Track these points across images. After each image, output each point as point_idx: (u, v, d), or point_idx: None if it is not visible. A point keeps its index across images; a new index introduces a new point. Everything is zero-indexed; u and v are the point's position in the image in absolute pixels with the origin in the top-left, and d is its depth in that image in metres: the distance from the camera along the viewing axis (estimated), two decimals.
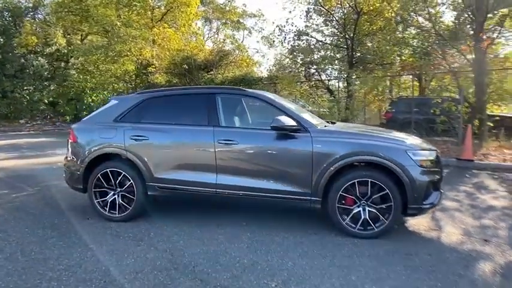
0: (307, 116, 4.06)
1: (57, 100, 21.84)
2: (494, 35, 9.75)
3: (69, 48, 21.39)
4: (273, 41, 16.35)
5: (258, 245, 3.50)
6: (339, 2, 11.89)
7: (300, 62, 17.13)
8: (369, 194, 3.59)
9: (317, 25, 14.67)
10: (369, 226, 3.61)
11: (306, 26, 14.85)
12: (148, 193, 4.09)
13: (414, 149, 3.62)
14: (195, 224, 4.03)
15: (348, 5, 11.44)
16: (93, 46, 17.91)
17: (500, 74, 9.76)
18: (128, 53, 17.39)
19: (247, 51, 18.05)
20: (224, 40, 19.93)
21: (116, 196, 4.16)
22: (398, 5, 12.28)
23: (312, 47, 16.15)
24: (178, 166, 3.99)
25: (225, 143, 3.84)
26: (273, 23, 15.74)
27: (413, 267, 3.03)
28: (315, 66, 14.96)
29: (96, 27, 17.93)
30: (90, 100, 19.79)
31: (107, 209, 4.16)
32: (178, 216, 4.33)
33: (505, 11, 9.32)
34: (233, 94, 4.25)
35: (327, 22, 13.26)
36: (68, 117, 20.95)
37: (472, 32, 10.53)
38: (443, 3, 14.32)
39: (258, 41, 26.53)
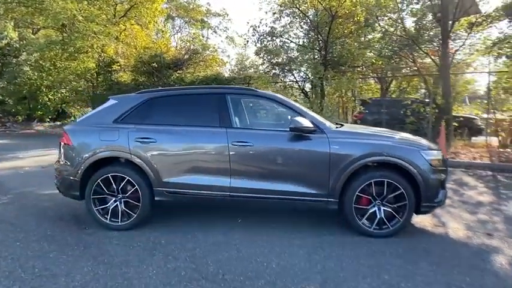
0: (318, 117, 4.05)
1: (5, 99, 20.07)
2: (460, 42, 10.45)
3: (22, 43, 19.79)
4: (247, 41, 16.30)
5: (278, 248, 3.43)
6: (314, 4, 12.10)
7: (273, 62, 17.28)
8: (385, 193, 3.66)
9: (291, 27, 14.84)
10: (384, 225, 3.68)
11: (282, 27, 14.98)
12: (156, 199, 3.86)
13: (426, 149, 3.75)
14: (205, 229, 3.88)
15: (322, 8, 11.69)
16: (50, 41, 16.71)
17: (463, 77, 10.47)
18: (89, 49, 16.46)
19: (216, 50, 17.77)
20: (193, 38, 19.48)
21: (118, 203, 3.88)
22: (365, 10, 12.79)
23: (286, 47, 16.38)
24: (190, 169, 3.81)
25: (240, 145, 3.73)
26: (248, 23, 15.67)
27: (436, 263, 3.12)
28: (287, 67, 15.14)
29: (53, 21, 16.72)
30: (47, 99, 18.43)
31: (108, 217, 3.87)
32: (182, 221, 4.15)
33: (470, 18, 10.01)
34: (244, 94, 4.13)
35: (301, 24, 13.46)
36: (20, 117, 19.38)
37: (438, 38, 11.24)
38: (403, 10, 15.19)
39: (222, 41, 26.29)
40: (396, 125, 11.93)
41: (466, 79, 16.08)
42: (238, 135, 3.77)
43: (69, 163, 3.96)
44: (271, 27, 15.69)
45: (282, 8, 13.85)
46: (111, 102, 4.20)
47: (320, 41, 12.46)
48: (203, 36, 24.13)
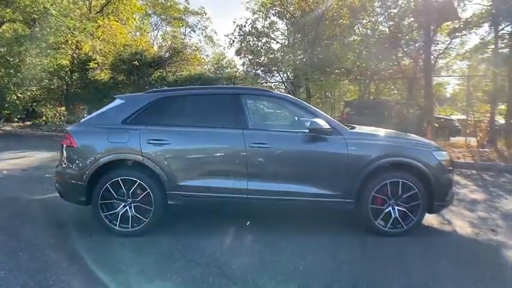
0: (333, 119, 4.06)
1: None
2: (440, 46, 10.88)
3: None
4: (233, 41, 16.17)
5: (300, 251, 3.40)
6: (301, 6, 12.19)
7: (254, 62, 17.24)
8: (399, 193, 3.72)
9: (277, 28, 14.88)
10: (398, 224, 3.75)
11: (268, 27, 14.97)
12: (169, 202, 3.73)
13: (437, 150, 3.86)
14: (218, 233, 3.78)
15: (309, 9, 11.80)
16: (19, 36, 15.78)
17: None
18: (63, 45, 15.74)
19: (198, 49, 17.45)
20: (174, 37, 19.03)
21: (128, 208, 3.70)
22: (349, 13, 13.04)
23: (267, 48, 16.40)
24: (206, 172, 3.70)
25: (258, 147, 3.66)
26: (234, 22, 15.56)
27: (456, 260, 3.21)
28: (272, 68, 15.16)
29: (22, 14, 15.80)
30: (15, 97, 17.38)
31: (117, 223, 3.68)
32: (192, 225, 4.03)
33: (450, 24, 10.44)
34: (259, 95, 4.07)
35: (288, 25, 13.51)
36: None
37: (415, 42, 11.66)
38: (382, 14, 15.59)
39: (200, 40, 25.91)
40: (380, 125, 12.32)
41: (439, 82, 16.79)
42: (255, 137, 3.70)
43: (73, 166, 3.74)
44: (256, 27, 15.71)
45: (269, 7, 13.84)
46: (117, 102, 4.00)
47: (306, 43, 12.57)
48: (184, 35, 23.68)
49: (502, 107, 9.85)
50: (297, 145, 3.75)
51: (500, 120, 9.93)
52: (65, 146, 3.85)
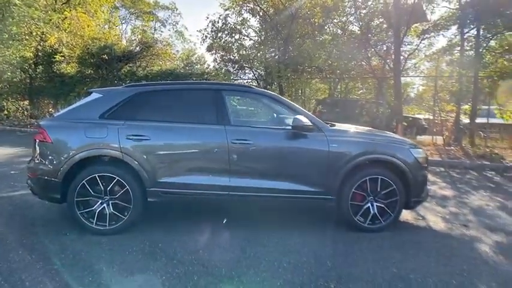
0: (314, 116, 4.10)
1: None
2: (410, 47, 11.30)
3: None
4: (206, 36, 15.96)
5: (282, 247, 3.40)
6: (274, 3, 12.23)
7: (226, 59, 17.14)
8: (378, 190, 3.82)
9: (249, 25, 14.85)
10: (377, 220, 3.85)
11: (240, 24, 14.90)
12: (149, 200, 3.63)
13: (414, 148, 4.00)
14: (199, 230, 3.73)
15: (283, 7, 11.86)
16: None
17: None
18: (27, 37, 14.93)
19: (169, 44, 17.06)
20: (145, 30, 18.49)
21: (106, 205, 3.57)
22: (321, 12, 13.23)
23: (238, 45, 16.34)
24: (187, 168, 3.63)
25: (240, 143, 3.64)
26: (207, 18, 15.32)
27: (433, 254, 3.34)
28: (244, 65, 15.12)
29: None
30: None
31: (94, 221, 3.54)
32: (171, 222, 3.96)
33: (419, 26, 10.85)
34: (240, 91, 4.04)
35: (261, 22, 13.50)
36: None
37: (382, 43, 12.04)
38: (352, 14, 15.92)
39: (170, 35, 25.32)
40: (351, 123, 12.64)
41: (407, 82, 17.44)
42: (237, 133, 3.67)
43: (47, 162, 3.56)
44: (228, 23, 15.60)
45: (242, 4, 13.77)
46: (94, 96, 3.84)
47: (279, 40, 12.64)
48: (155, 30, 23.09)
49: (466, 107, 10.38)
50: (279, 142, 3.76)
51: (465, 119, 10.46)
52: (37, 140, 3.65)
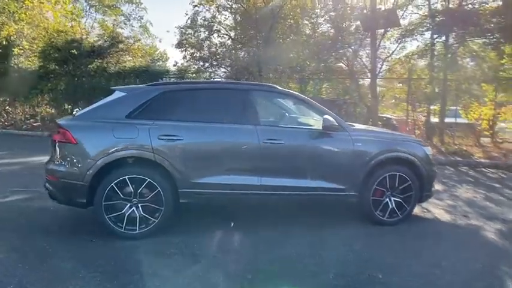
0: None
1: None
2: (383, 50, 11.91)
3: None
4: (183, 32, 15.60)
5: (319, 244, 3.52)
6: (256, 2, 12.28)
7: (196, 56, 16.90)
8: (396, 185, 4.06)
9: (221, 22, 14.76)
10: (394, 214, 4.08)
11: (211, 21, 14.76)
12: (181, 201, 3.57)
13: (425, 145, 4.29)
14: (227, 230, 3.73)
15: (264, 6, 11.96)
16: None
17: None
18: None
19: (139, 40, 16.43)
20: (116, 24, 17.62)
21: (134, 208, 3.45)
22: (299, 14, 13.54)
23: (209, 42, 16.24)
24: (220, 169, 3.61)
25: (271, 143, 3.69)
26: (186, 14, 14.99)
27: (453, 243, 3.64)
28: (217, 62, 15.03)
29: None
30: None
31: (123, 226, 3.41)
32: (194, 223, 3.92)
33: (394, 30, 11.47)
34: (268, 91, 4.08)
35: (237, 20, 13.47)
36: None
37: (349, 46, 12.58)
38: (322, 16, 16.35)
39: (132, 29, 24.26)
40: None
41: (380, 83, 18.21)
42: (268, 133, 3.72)
43: (71, 165, 3.37)
44: (199, 20, 15.43)
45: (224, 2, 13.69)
46: (118, 94, 3.69)
47: (259, 40, 12.73)
48: (125, 24, 22.01)
49: (436, 107, 11.17)
50: (308, 141, 3.86)
51: (435, 119, 11.25)
52: (58, 142, 3.44)
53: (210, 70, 17.38)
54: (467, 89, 10.36)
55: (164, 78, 13.95)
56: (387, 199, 4.06)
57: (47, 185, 3.51)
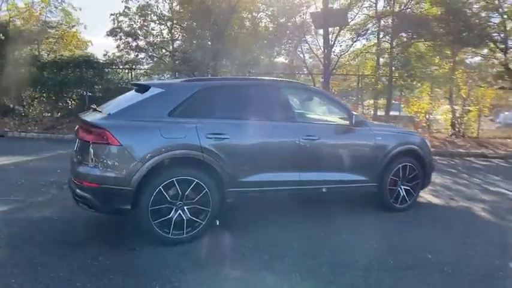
0: None
1: None
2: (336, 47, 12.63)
3: None
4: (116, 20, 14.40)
5: (359, 232, 3.75)
6: None
7: (137, 45, 15.93)
8: (406, 175, 4.48)
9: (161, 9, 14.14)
10: (404, 201, 4.51)
11: (146, 9, 14.04)
12: (227, 201, 3.47)
13: (426, 139, 4.80)
14: (275, 225, 3.77)
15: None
16: None
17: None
18: None
19: (74, 26, 14.70)
20: (44, 6, 15.34)
21: (180, 211, 3.27)
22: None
23: (145, 31, 15.45)
24: (263, 166, 3.60)
25: (309, 139, 3.78)
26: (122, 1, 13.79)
27: (450, 226, 4.12)
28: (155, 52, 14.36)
29: None
30: None
31: (170, 230, 3.22)
32: (234, 221, 3.87)
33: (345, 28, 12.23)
34: (299, 89, 4.17)
35: (192, 12, 12.92)
36: None
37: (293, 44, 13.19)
38: (263, 11, 16.61)
39: (47, 11, 21.48)
40: None
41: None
42: (306, 130, 3.81)
43: (114, 168, 3.05)
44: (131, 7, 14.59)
45: None
46: (154, 91, 3.41)
47: (210, 31, 12.42)
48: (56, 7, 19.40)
49: (383, 101, 12.29)
50: (339, 136, 4.06)
51: (381, 112, 12.38)
52: (92, 142, 3.08)
53: (150, 61, 16.60)
54: (410, 85, 11.60)
55: (109, 70, 12.93)
56: (399, 188, 4.46)
57: (80, 192, 3.12)
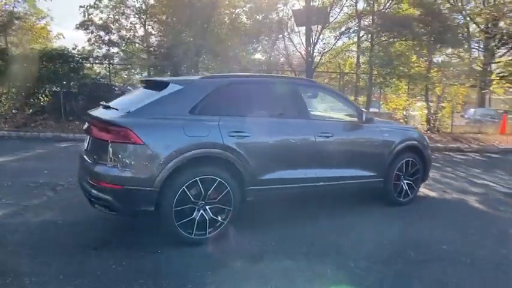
0: None
1: None
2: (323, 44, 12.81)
3: None
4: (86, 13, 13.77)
5: (371, 227, 3.86)
6: None
7: (110, 39, 15.38)
8: (409, 170, 4.64)
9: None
10: (406, 195, 4.67)
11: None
12: (247, 199, 3.44)
13: (424, 135, 4.98)
14: (286, 223, 3.78)
15: None
16: None
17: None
18: None
19: (44, 17, 13.84)
20: None
21: (202, 211, 3.20)
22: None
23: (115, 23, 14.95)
24: (282, 164, 3.59)
25: (324, 136, 3.82)
26: None
27: (453, 218, 4.31)
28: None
29: None
30: None
31: (193, 231, 3.15)
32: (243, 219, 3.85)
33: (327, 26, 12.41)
34: (312, 87, 4.18)
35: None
36: None
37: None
38: (241, 7, 16.55)
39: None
40: None
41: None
42: (321, 127, 3.85)
43: (137, 169, 2.93)
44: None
45: None
46: (173, 87, 3.29)
47: (198, 28, 12.14)
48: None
49: (363, 98, 12.63)
50: (350, 133, 4.13)
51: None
52: (111, 141, 2.94)
53: (123, 56, 16.11)
54: (388, 83, 12.00)
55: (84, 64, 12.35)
56: (402, 182, 4.61)
57: (97, 193, 2.97)
